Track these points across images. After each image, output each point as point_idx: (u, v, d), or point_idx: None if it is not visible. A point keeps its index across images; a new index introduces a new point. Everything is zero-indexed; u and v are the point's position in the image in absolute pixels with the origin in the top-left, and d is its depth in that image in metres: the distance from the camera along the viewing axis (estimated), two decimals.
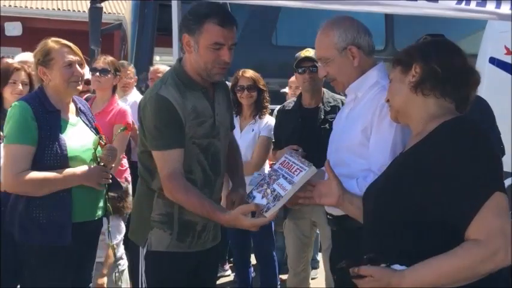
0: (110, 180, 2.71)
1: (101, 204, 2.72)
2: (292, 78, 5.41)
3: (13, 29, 11.39)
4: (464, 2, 3.28)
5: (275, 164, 2.17)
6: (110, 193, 2.80)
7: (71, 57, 2.59)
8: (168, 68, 4.86)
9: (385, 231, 1.67)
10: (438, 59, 1.73)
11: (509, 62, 5.22)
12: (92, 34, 6.54)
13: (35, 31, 10.28)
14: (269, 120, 4.07)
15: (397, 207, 1.64)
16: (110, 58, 4.17)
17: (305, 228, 3.68)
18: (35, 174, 2.45)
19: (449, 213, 1.54)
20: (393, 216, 1.65)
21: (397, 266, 1.60)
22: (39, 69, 2.60)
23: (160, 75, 4.83)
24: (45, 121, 2.50)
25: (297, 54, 3.62)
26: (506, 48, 5.44)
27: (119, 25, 8.77)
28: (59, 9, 13.01)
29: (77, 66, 2.61)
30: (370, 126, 2.17)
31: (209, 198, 2.32)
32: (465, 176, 1.52)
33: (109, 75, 4.05)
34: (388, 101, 1.89)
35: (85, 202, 2.61)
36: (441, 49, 1.78)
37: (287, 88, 5.43)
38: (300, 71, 3.57)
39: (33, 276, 2.52)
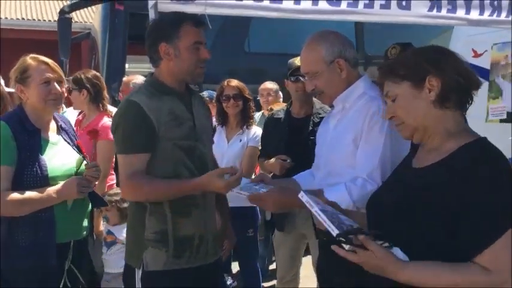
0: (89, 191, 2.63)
1: (85, 223, 2.66)
2: (262, 86, 5.42)
3: None
4: (435, 9, 3.38)
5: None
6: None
7: (49, 75, 2.53)
8: (141, 77, 4.84)
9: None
10: (454, 68, 1.65)
11: (477, 64, 5.35)
12: (61, 45, 6.46)
13: None
14: (257, 130, 4.04)
15: (410, 222, 1.60)
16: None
17: (295, 241, 3.68)
18: (15, 195, 2.39)
19: (461, 237, 1.53)
20: (403, 231, 1.62)
21: (398, 251, 1.56)
22: (17, 87, 2.55)
23: (132, 85, 4.75)
24: (24, 141, 2.45)
25: (290, 62, 3.54)
26: (473, 51, 5.59)
27: (87, 34, 8.65)
28: (23, 18, 12.74)
29: (55, 84, 2.55)
30: (360, 135, 2.20)
31: (204, 206, 2.33)
32: (485, 208, 1.50)
33: (74, 92, 3.92)
34: (391, 118, 1.75)
35: (68, 222, 2.55)
36: (449, 56, 1.69)
37: (259, 96, 5.41)
38: (292, 79, 3.50)
39: None
